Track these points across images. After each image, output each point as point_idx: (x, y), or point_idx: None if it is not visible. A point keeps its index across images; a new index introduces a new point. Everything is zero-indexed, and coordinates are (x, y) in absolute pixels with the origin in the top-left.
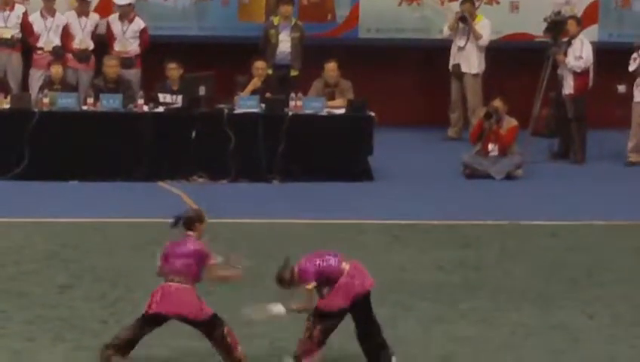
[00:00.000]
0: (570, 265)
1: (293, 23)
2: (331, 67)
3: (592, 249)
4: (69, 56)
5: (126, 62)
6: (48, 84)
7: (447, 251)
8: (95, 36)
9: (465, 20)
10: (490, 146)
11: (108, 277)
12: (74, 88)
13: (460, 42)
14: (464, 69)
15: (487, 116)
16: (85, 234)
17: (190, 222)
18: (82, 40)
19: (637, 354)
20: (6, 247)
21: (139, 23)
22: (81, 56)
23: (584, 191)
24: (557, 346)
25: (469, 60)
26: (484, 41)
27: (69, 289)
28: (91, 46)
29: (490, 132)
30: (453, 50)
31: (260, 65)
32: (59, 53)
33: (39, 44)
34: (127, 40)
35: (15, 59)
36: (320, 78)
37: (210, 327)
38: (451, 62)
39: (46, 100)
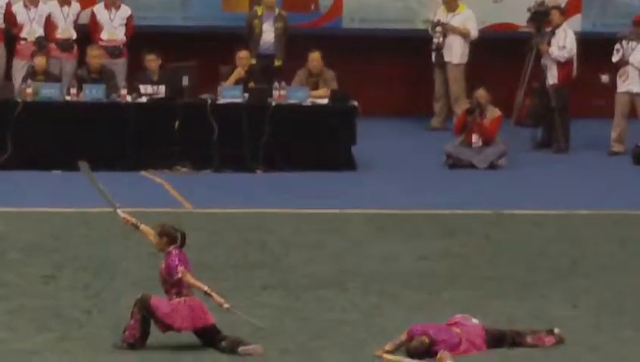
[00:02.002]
0: (553, 254)
1: (277, 12)
2: (315, 57)
3: (576, 238)
4: (52, 45)
5: (114, 52)
6: (32, 74)
7: (431, 241)
8: (77, 26)
9: (473, 111)
10: (474, 137)
11: (91, 266)
12: (57, 78)
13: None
14: (447, 59)
15: (470, 112)
16: (68, 224)
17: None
18: (65, 29)
19: (621, 343)
20: None
21: (126, 10)
22: (64, 45)
23: (567, 181)
24: None
25: (452, 50)
26: (474, 35)
27: (52, 279)
28: (74, 35)
29: (473, 124)
30: (435, 40)
31: (243, 54)
32: (42, 44)
33: (22, 35)
34: (116, 28)
35: None
36: (304, 67)
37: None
38: (435, 52)
39: (29, 90)
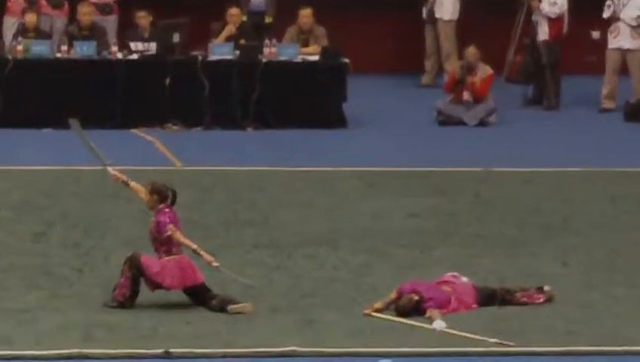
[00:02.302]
0: (544, 211)
1: None
2: (306, 14)
3: (567, 196)
4: (43, 2)
5: (105, 8)
6: (22, 31)
7: (421, 198)
8: None
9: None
10: (465, 94)
11: (82, 224)
12: (48, 36)
13: None
14: (438, 15)
15: (461, 80)
16: (59, 182)
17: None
18: None
19: (612, 300)
20: None
21: None
22: (55, 2)
23: (558, 138)
24: None
25: (443, 6)
26: None
27: (42, 237)
28: None
29: (463, 82)
30: None
31: (234, 12)
32: (32, 1)
33: None
34: None
35: None
36: (294, 24)
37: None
38: (425, 9)
39: (20, 48)
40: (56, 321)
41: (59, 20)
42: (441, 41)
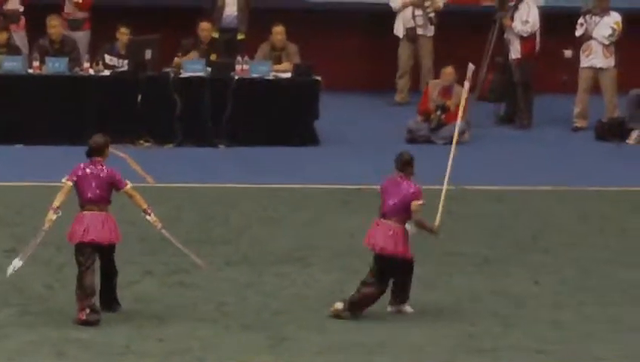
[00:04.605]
0: (515, 230)
1: None
2: (279, 30)
3: (538, 214)
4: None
5: (74, 24)
6: None
7: None
8: None
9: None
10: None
11: (53, 241)
12: (19, 51)
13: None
14: (420, 32)
15: (436, 109)
16: (30, 198)
17: (100, 148)
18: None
19: (582, 318)
20: None
21: None
22: (12, 17)
23: (530, 157)
24: (502, 311)
25: (425, 23)
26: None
27: (13, 253)
28: (21, 8)
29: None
30: (406, 14)
31: (204, 26)
32: None
33: None
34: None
35: None
36: (267, 41)
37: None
38: (404, 26)
39: None
40: (28, 338)
41: (16, 35)
42: (422, 57)
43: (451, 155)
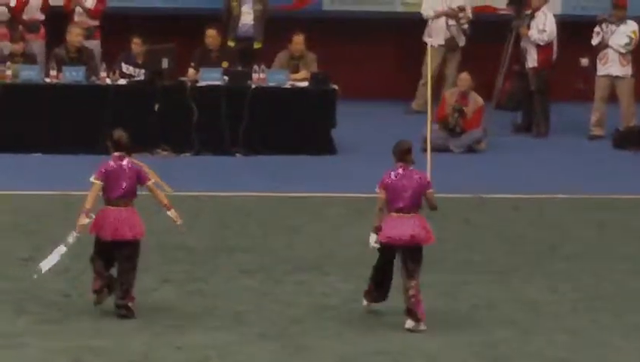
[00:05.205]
0: (533, 238)
1: None
2: (298, 40)
3: (555, 222)
4: (20, 27)
5: (86, 33)
6: (9, 55)
7: None
8: (48, 7)
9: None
10: (455, 127)
11: (71, 249)
12: (35, 60)
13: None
14: (460, 43)
15: (453, 127)
16: (47, 207)
17: (126, 142)
18: (32, 10)
19: (599, 327)
20: None
21: None
22: (32, 27)
23: (547, 165)
24: (519, 319)
25: (459, 33)
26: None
27: (31, 262)
28: (42, 16)
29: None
30: (438, 24)
31: (211, 33)
32: (15, 27)
33: None
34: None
35: None
36: (285, 49)
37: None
38: (443, 36)
39: (9, 72)
40: (46, 346)
41: (36, 44)
42: (454, 66)
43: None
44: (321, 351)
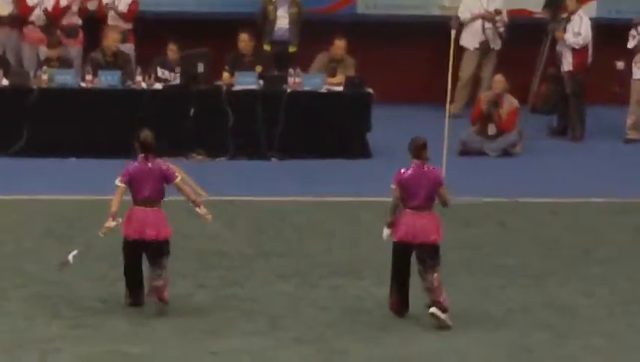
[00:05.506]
0: (568, 242)
1: None
2: (340, 44)
3: (591, 226)
4: (58, 31)
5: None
6: (46, 60)
7: (446, 229)
8: (85, 11)
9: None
10: (490, 128)
11: (106, 254)
12: (71, 64)
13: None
14: (492, 45)
15: (487, 104)
16: (82, 212)
17: (153, 143)
18: (71, 15)
19: (635, 331)
20: (4, 225)
21: None
22: (70, 31)
23: (583, 168)
24: (555, 323)
25: (495, 37)
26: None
27: (65, 266)
28: (79, 21)
29: (489, 117)
30: (475, 27)
31: (243, 37)
32: (51, 32)
33: (31, 18)
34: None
35: (14, 36)
36: (325, 51)
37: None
38: (474, 38)
39: (44, 77)
40: (80, 352)
41: (74, 49)
42: (489, 70)
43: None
44: (356, 355)
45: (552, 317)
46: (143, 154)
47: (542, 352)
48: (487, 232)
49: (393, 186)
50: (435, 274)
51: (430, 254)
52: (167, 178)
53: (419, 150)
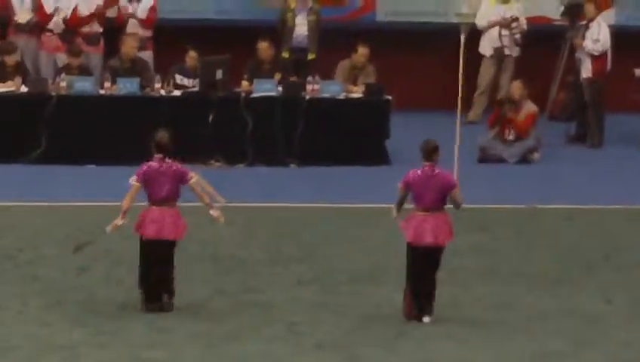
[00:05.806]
0: (586, 249)
1: (310, 6)
2: (363, 52)
3: (609, 233)
4: (79, 39)
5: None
6: (64, 67)
7: (463, 235)
8: (104, 19)
9: (503, 104)
10: (507, 132)
11: (125, 260)
12: (90, 72)
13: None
14: (506, 52)
15: (500, 103)
16: (102, 218)
17: (168, 144)
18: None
19: None
20: (23, 231)
21: (149, 1)
22: (91, 39)
23: (601, 176)
24: (573, 330)
25: (511, 43)
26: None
27: (86, 273)
28: (100, 29)
29: (506, 118)
30: (492, 33)
31: (263, 45)
32: (68, 39)
33: (49, 26)
34: (139, 20)
35: (32, 43)
36: (348, 59)
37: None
38: (490, 45)
39: (63, 84)
40: (101, 358)
41: (95, 57)
42: (506, 76)
43: None
44: (375, 361)
45: (569, 324)
46: (158, 155)
47: (559, 360)
48: (505, 239)
49: (400, 186)
50: (435, 276)
51: (434, 255)
52: (182, 178)
53: (430, 153)
